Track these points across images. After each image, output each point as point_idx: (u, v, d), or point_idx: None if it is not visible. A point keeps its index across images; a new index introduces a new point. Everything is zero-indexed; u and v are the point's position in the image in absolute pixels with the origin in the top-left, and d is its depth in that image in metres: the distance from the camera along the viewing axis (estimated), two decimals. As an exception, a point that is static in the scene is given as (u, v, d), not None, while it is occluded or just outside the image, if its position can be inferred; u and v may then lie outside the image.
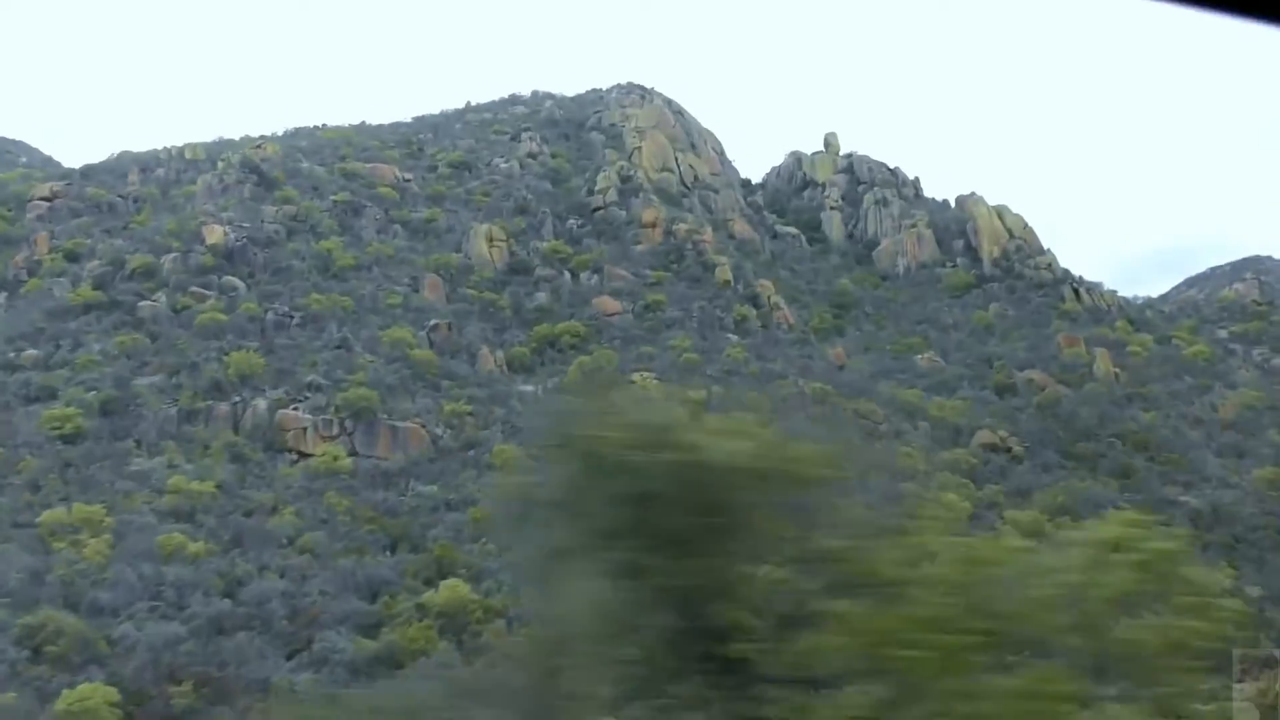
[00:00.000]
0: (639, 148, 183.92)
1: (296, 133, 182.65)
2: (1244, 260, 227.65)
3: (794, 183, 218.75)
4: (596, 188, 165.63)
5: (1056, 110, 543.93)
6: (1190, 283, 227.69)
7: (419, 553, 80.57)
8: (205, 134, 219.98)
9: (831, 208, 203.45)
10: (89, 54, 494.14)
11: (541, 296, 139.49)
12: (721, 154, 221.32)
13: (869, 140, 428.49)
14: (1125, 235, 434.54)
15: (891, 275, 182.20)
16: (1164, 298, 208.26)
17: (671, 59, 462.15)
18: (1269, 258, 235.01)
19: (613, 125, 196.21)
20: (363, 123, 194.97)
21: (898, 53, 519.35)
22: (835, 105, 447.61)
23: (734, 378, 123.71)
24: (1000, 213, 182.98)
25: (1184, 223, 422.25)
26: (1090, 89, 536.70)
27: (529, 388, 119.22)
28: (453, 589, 71.77)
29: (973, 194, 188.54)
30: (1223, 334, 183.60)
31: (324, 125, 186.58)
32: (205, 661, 63.35)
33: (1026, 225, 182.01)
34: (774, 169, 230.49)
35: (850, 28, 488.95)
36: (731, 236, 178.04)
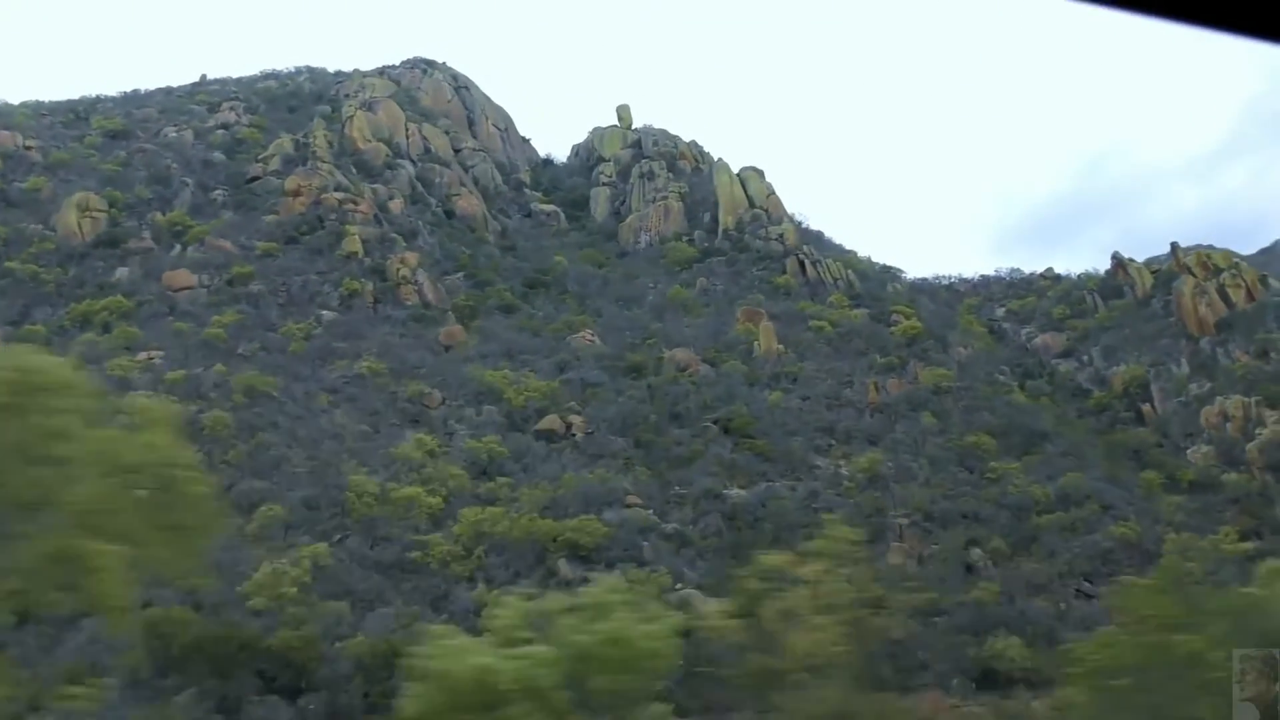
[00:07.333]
0: (351, 118, 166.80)
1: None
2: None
3: (591, 159, 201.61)
4: (262, 156, 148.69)
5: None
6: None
7: None
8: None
9: (604, 183, 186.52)
10: None
11: (124, 271, 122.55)
12: (506, 130, 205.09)
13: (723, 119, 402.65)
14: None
15: (632, 251, 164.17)
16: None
17: (508, 38, 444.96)
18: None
19: (347, 97, 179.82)
20: (83, 96, 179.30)
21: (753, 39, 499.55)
22: (681, 86, 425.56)
23: (272, 354, 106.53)
24: (744, 181, 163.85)
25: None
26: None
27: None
28: None
29: (719, 160, 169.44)
30: (1000, 311, 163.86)
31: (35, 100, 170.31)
32: None
33: (771, 194, 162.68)
34: (575, 146, 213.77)
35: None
36: (450, 214, 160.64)
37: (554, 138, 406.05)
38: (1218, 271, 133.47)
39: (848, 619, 12.68)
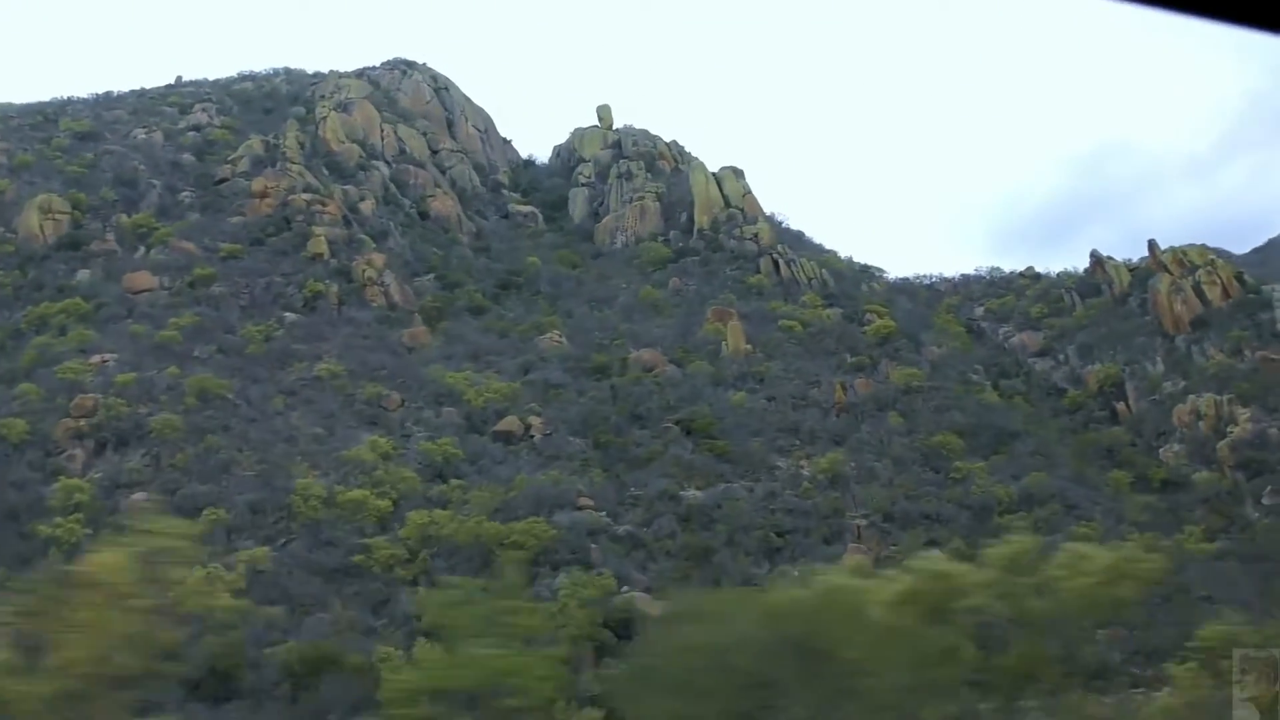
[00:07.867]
0: (325, 119, 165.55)
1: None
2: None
3: (571, 160, 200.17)
4: (231, 157, 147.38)
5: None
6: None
7: None
8: None
9: (582, 183, 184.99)
10: None
11: (85, 274, 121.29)
12: (486, 132, 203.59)
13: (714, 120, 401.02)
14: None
15: (608, 251, 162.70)
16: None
17: (492, 39, 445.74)
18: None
19: (322, 98, 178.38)
20: (53, 98, 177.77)
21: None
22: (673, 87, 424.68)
23: (226, 356, 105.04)
24: (719, 181, 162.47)
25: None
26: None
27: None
28: None
29: (695, 160, 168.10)
30: (979, 311, 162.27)
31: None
32: None
33: (747, 193, 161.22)
34: (556, 147, 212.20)
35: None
36: (424, 215, 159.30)
37: (539, 139, 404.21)
38: (1194, 269, 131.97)
39: (140, 629, 11.20)
